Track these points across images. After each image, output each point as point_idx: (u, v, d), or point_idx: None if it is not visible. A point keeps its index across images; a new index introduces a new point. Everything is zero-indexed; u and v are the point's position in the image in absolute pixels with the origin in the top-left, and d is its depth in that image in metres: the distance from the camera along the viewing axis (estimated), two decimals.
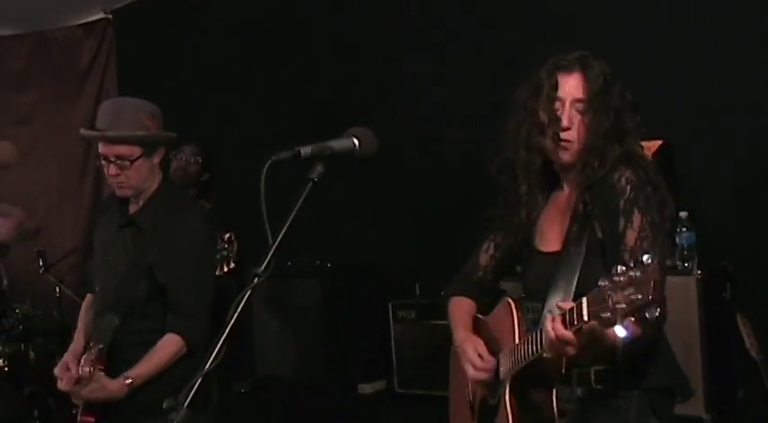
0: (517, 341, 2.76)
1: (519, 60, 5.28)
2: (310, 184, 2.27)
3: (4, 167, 3.65)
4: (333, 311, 5.62)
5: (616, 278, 2.20)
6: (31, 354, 6.47)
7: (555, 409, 2.69)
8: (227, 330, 2.09)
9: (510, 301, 2.87)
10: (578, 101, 2.72)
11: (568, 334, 2.39)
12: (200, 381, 2.05)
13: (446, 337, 5.14)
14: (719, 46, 4.76)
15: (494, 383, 2.90)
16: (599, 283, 2.25)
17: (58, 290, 6.48)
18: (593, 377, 2.68)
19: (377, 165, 2.44)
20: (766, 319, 4.15)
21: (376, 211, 5.92)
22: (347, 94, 6.27)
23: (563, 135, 2.72)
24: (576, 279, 2.64)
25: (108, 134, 3.47)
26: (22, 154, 7.59)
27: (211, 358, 2.07)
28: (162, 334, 3.49)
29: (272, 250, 2.18)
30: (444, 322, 5.16)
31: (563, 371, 2.66)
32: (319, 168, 2.27)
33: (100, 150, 3.54)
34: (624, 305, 2.17)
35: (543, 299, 2.72)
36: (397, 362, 5.42)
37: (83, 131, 3.63)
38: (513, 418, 2.75)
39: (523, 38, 5.39)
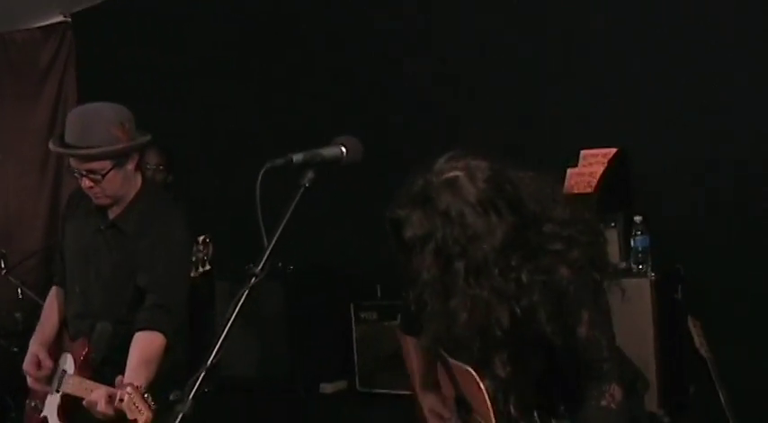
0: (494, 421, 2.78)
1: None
2: (302, 189, 2.39)
3: None
4: (295, 313, 5.74)
5: None
6: None
7: None
8: (227, 326, 2.22)
9: (473, 373, 2.78)
10: None
11: None
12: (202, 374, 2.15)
13: None
14: (672, 49, 4.88)
15: None
16: None
17: (20, 292, 6.49)
18: None
19: (339, 167, 2.49)
20: (715, 318, 4.31)
21: (338, 214, 6.02)
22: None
23: None
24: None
25: (78, 152, 3.48)
26: None
27: (213, 353, 2.19)
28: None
29: (268, 252, 2.30)
30: None
31: None
32: (310, 175, 2.40)
33: (71, 164, 3.57)
34: None
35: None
36: (359, 362, 5.55)
37: (52, 147, 3.58)
38: None
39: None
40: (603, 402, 2.56)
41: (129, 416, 3.13)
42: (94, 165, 3.50)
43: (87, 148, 3.46)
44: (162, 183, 5.53)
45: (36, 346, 3.78)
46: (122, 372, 3.42)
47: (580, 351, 2.58)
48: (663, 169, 4.89)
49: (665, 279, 4.44)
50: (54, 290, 4.00)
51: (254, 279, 2.27)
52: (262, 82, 6.77)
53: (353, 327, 5.56)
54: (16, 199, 7.88)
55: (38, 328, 3.90)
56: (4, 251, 6.56)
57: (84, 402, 3.32)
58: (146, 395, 3.14)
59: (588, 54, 5.18)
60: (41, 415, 3.71)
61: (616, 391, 2.57)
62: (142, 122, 3.70)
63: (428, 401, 3.13)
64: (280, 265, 5.79)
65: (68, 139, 3.51)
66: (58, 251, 3.95)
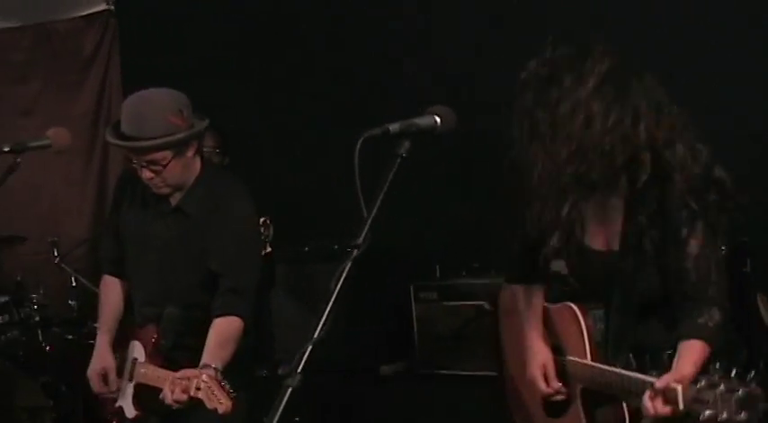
0: (589, 358, 2.82)
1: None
2: (399, 159, 2.37)
3: (60, 152, 3.60)
4: (354, 294, 5.68)
5: (715, 385, 2.23)
6: (46, 343, 6.50)
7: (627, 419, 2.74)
8: (332, 300, 2.20)
9: (576, 309, 2.89)
10: None
11: (667, 410, 2.42)
12: (309, 348, 2.15)
13: (467, 318, 5.30)
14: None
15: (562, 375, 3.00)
16: (699, 379, 2.30)
17: (73, 280, 6.49)
18: None
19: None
20: None
21: (396, 193, 5.98)
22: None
23: None
24: (634, 287, 2.73)
25: (138, 145, 3.39)
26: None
27: (319, 328, 2.17)
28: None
29: (368, 224, 2.29)
30: (465, 302, 5.35)
31: None
32: (406, 144, 2.39)
33: (130, 155, 3.51)
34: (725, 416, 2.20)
35: (601, 303, 2.83)
36: (419, 342, 5.53)
37: (110, 139, 3.50)
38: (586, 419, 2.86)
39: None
40: (701, 320, 2.58)
41: (209, 405, 3.11)
42: (155, 156, 3.41)
43: (147, 139, 3.37)
44: (218, 165, 5.49)
45: (102, 357, 3.73)
46: (194, 357, 3.42)
47: (688, 270, 2.58)
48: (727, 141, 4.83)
49: (733, 253, 4.36)
50: (106, 279, 3.93)
51: (355, 251, 2.23)
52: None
53: (413, 307, 5.53)
54: (63, 188, 7.88)
55: (100, 325, 3.86)
56: (56, 239, 6.53)
57: (160, 396, 3.30)
58: (223, 383, 3.11)
59: None
60: (117, 405, 3.68)
61: (716, 313, 2.59)
62: None
63: (542, 356, 3.05)
64: (336, 247, 5.75)
65: (126, 129, 3.42)
66: (111, 239, 3.86)
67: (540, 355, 3.05)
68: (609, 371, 2.72)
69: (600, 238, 2.83)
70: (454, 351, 5.32)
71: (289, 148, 6.62)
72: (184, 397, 3.19)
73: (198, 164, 3.63)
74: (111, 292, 3.87)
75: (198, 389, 3.13)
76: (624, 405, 2.71)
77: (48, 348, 6.51)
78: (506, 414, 4.45)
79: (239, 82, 6.94)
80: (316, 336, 2.18)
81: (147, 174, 3.46)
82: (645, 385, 2.49)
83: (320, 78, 6.49)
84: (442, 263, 5.60)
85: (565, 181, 2.61)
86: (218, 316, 3.44)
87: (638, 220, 2.70)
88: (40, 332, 6.42)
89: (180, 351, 3.55)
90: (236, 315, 3.45)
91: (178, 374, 3.24)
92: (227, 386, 3.13)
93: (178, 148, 3.45)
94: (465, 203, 5.69)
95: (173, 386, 3.22)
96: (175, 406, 3.24)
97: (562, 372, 3.00)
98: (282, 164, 6.60)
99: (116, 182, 3.97)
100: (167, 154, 3.42)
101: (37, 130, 7.72)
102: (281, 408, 2.09)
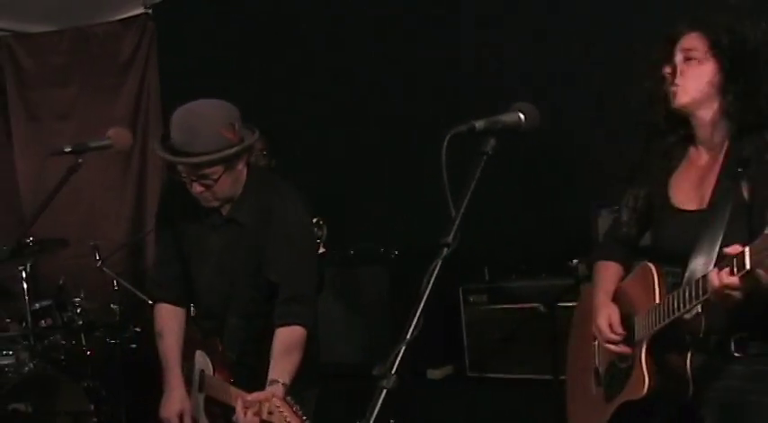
0: (657, 301, 2.80)
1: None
2: (485, 157, 2.32)
3: (121, 152, 3.56)
4: (399, 298, 5.66)
5: None
6: (88, 347, 6.48)
7: (689, 374, 2.74)
8: (423, 301, 2.15)
9: (650, 264, 2.90)
10: (687, 50, 2.86)
11: (734, 280, 2.43)
12: (403, 349, 2.10)
13: (518, 320, 5.25)
14: None
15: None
16: (765, 232, 2.33)
17: (115, 283, 6.47)
18: (732, 345, 2.73)
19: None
20: None
21: (442, 196, 5.94)
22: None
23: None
24: (719, 242, 2.68)
25: (187, 161, 3.33)
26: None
27: (411, 328, 2.12)
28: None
29: (458, 222, 2.24)
30: (515, 305, 5.30)
31: (701, 334, 2.71)
32: (492, 142, 2.35)
33: (179, 168, 3.43)
34: None
35: (681, 261, 2.78)
36: (469, 346, 5.47)
37: (160, 154, 3.42)
38: (649, 378, 2.80)
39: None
40: None
41: None
42: (206, 171, 3.36)
43: (198, 155, 3.30)
44: (265, 168, 5.46)
45: (179, 399, 3.60)
46: (260, 366, 3.38)
47: None
48: None
49: None
50: (161, 309, 3.80)
51: (446, 250, 2.19)
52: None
53: (462, 310, 5.48)
54: (101, 192, 7.87)
55: (167, 360, 3.69)
56: (97, 243, 6.51)
57: (233, 417, 3.24)
58: (295, 407, 3.05)
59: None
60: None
61: None
62: None
63: (608, 309, 3.06)
64: (382, 250, 5.71)
65: (176, 143, 3.35)
66: (165, 256, 3.79)
67: (605, 308, 3.06)
68: (671, 296, 2.71)
69: (691, 198, 2.88)
70: (504, 354, 5.27)
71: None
72: (256, 420, 3.12)
73: (245, 173, 3.55)
74: (171, 320, 3.76)
75: (270, 413, 3.06)
76: (688, 356, 2.72)
77: (89, 352, 6.50)
78: (558, 417, 4.44)
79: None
80: (408, 336, 2.10)
81: (197, 188, 3.41)
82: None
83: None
84: (490, 266, 5.53)
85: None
86: (280, 325, 3.39)
87: (730, 174, 2.74)
88: (83, 336, 6.40)
89: (246, 363, 3.52)
90: (299, 324, 3.39)
91: (250, 397, 3.17)
92: (300, 411, 3.05)
93: (229, 162, 3.39)
94: (513, 206, 5.64)
95: (245, 409, 3.15)
96: None
97: (629, 330, 2.98)
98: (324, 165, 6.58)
99: (161, 196, 3.90)
100: (218, 169, 3.36)
101: (74, 135, 7.81)
102: (377, 410, 2.02)
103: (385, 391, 2.06)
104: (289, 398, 3.09)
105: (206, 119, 3.33)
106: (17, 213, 8.14)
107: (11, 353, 6.26)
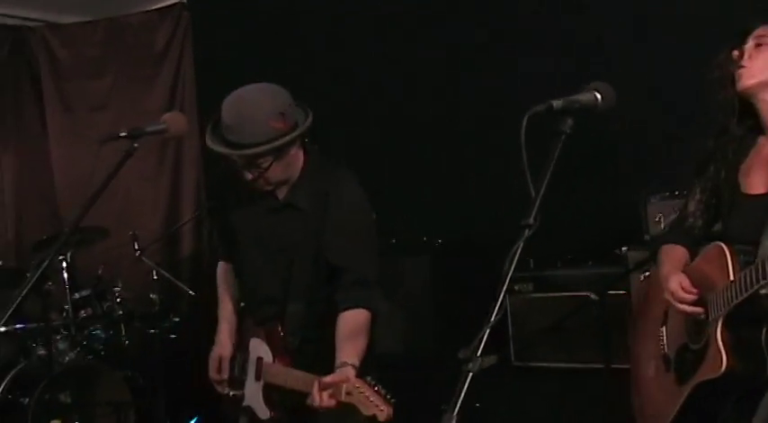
0: (732, 278, 2.76)
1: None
2: (563, 136, 2.28)
3: (175, 138, 3.52)
4: (442, 287, 5.62)
5: None
6: (127, 337, 6.48)
7: (766, 352, 2.71)
8: (506, 283, 2.11)
9: (720, 243, 2.87)
10: (760, 36, 2.89)
11: None
12: (487, 332, 2.06)
13: (564, 309, 5.19)
14: None
15: (697, 327, 2.93)
16: None
17: (155, 273, 6.45)
18: None
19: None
20: None
21: (488, 185, 5.91)
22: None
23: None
24: None
25: (236, 153, 3.34)
26: (99, 141, 7.57)
27: (495, 311, 2.09)
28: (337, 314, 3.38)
29: (538, 203, 2.20)
30: (561, 294, 5.24)
31: None
32: (569, 122, 2.31)
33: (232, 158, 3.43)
34: None
35: (752, 245, 2.76)
36: (514, 335, 5.42)
37: (211, 146, 3.42)
38: (726, 356, 2.76)
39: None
40: None
41: (365, 411, 2.98)
42: (258, 160, 3.37)
43: (248, 146, 3.31)
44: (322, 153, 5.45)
45: (222, 345, 3.73)
46: (320, 352, 3.37)
47: None
48: None
49: None
50: (223, 266, 3.91)
51: (527, 231, 2.15)
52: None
53: (507, 299, 5.42)
54: (136, 183, 7.84)
55: (222, 312, 3.84)
56: (136, 232, 6.50)
57: (307, 400, 3.19)
58: (377, 387, 3.00)
59: None
60: (244, 404, 3.60)
61: None
62: None
63: (678, 276, 3.03)
64: (425, 239, 5.67)
65: (226, 134, 3.35)
66: (220, 237, 3.84)
67: (675, 275, 3.03)
68: (745, 272, 2.68)
69: (760, 183, 2.89)
70: (551, 343, 5.21)
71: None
72: (332, 403, 3.09)
73: (301, 156, 3.54)
74: (229, 277, 3.86)
75: (348, 393, 3.02)
76: (764, 334, 2.69)
77: (128, 343, 6.50)
78: (610, 406, 4.40)
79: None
80: (492, 319, 2.06)
81: (249, 175, 3.42)
82: None
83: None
84: (535, 254, 5.48)
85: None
86: (345, 309, 3.35)
87: None
88: (122, 326, 6.39)
89: (307, 346, 3.48)
90: (364, 307, 3.36)
91: (327, 379, 3.13)
92: (383, 390, 3.00)
93: (279, 152, 3.38)
94: (558, 193, 5.56)
95: (321, 391, 3.11)
96: (321, 410, 3.14)
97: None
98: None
99: (215, 179, 3.90)
100: (268, 158, 3.36)
101: (109, 125, 7.80)
102: (462, 394, 1.98)
103: (470, 375, 2.00)
104: (369, 378, 3.04)
105: (255, 108, 3.32)
106: (51, 204, 8.16)
107: (51, 343, 6.28)
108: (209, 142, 3.43)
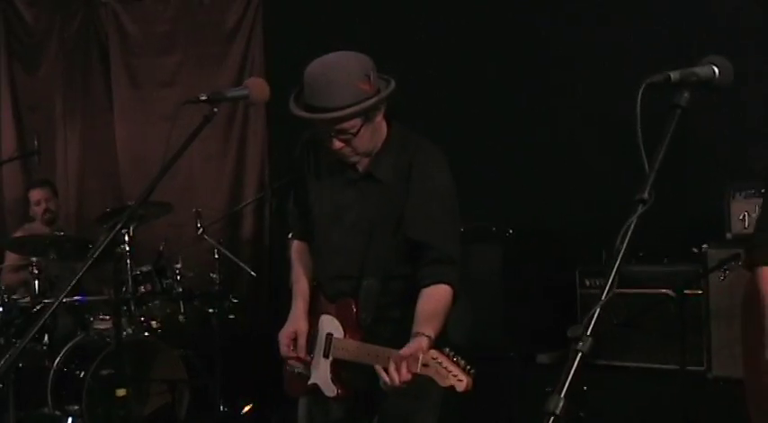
0: None
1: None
2: (679, 110, 2.14)
3: (256, 104, 3.39)
4: (512, 279, 5.48)
5: None
6: (186, 316, 6.43)
7: None
8: (617, 261, 1.99)
9: None
10: None
11: None
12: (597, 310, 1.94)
13: (638, 306, 5.03)
14: None
15: None
16: None
17: (216, 252, 6.38)
18: None
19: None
20: None
21: (561, 175, 5.77)
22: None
23: None
24: None
25: (325, 117, 3.18)
26: (166, 117, 7.55)
27: (606, 289, 1.97)
28: (414, 290, 3.24)
29: (652, 178, 2.07)
30: (636, 290, 5.07)
31: None
32: (686, 95, 2.17)
33: (317, 126, 3.30)
34: None
35: None
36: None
37: (295, 111, 3.26)
38: None
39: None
40: None
41: (442, 382, 2.85)
42: (345, 125, 3.21)
43: (335, 109, 3.15)
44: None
45: (296, 321, 3.52)
46: (396, 330, 3.22)
47: None
48: None
49: None
50: (297, 246, 3.73)
51: (641, 207, 2.01)
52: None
53: (578, 294, 5.27)
54: (200, 162, 7.81)
55: (296, 290, 3.64)
56: (200, 210, 6.43)
57: (381, 384, 3.06)
58: (455, 358, 2.87)
59: None
60: (310, 382, 3.49)
61: None
62: None
63: None
64: (494, 229, 5.53)
65: (311, 100, 3.20)
66: (298, 212, 3.68)
67: None
68: None
69: None
70: (622, 341, 5.05)
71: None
72: (409, 376, 2.95)
73: (385, 127, 3.40)
74: (306, 256, 3.67)
75: (425, 365, 2.89)
76: None
77: (186, 321, 6.44)
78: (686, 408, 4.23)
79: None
80: (603, 298, 1.94)
81: (336, 144, 3.26)
82: None
83: None
84: (608, 248, 5.31)
85: None
86: (426, 286, 3.22)
87: None
88: (181, 304, 6.33)
89: (381, 325, 3.33)
90: (446, 283, 3.24)
91: (403, 351, 2.99)
92: (462, 361, 2.87)
93: (368, 114, 3.24)
94: (629, 183, 5.41)
95: (397, 364, 2.97)
96: (398, 384, 3.00)
97: None
98: None
99: (297, 152, 3.73)
100: (357, 122, 3.21)
101: (175, 103, 7.76)
102: (571, 375, 1.86)
103: (580, 354, 1.87)
104: (447, 349, 2.91)
105: (341, 71, 3.19)
106: (113, 180, 8.17)
107: (107, 318, 6.25)
108: (294, 110, 3.28)
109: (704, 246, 4.78)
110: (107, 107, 8.17)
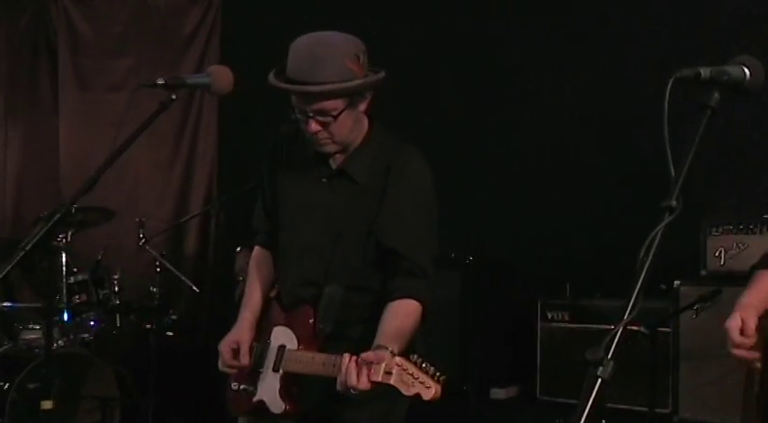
0: None
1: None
2: (709, 112, 1.93)
3: (217, 94, 3.10)
4: (469, 308, 5.26)
5: None
6: (121, 330, 6.09)
7: None
8: (641, 277, 1.77)
9: None
10: None
11: None
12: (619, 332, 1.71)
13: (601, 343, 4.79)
14: None
15: None
16: None
17: (158, 265, 6.05)
18: None
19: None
20: None
21: (521, 202, 5.59)
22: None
23: None
24: None
25: (309, 89, 2.92)
26: (113, 122, 7.25)
27: (628, 310, 1.88)
28: (381, 306, 2.99)
29: (680, 183, 1.84)
30: (599, 326, 4.86)
31: None
32: (716, 96, 1.99)
33: (295, 104, 3.00)
34: None
35: None
36: (542, 366, 5.04)
37: (274, 83, 3.00)
38: None
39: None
40: None
41: (406, 391, 2.62)
42: (326, 104, 2.95)
43: (320, 83, 2.91)
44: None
45: (240, 331, 3.26)
46: (355, 348, 2.90)
47: None
48: None
49: None
50: (258, 253, 3.46)
51: (669, 214, 1.78)
52: None
53: (539, 327, 5.05)
54: (147, 171, 7.53)
55: (246, 300, 3.38)
56: (144, 220, 6.11)
57: (338, 383, 2.80)
58: (423, 364, 2.62)
59: None
60: (255, 399, 3.19)
61: None
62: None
63: (747, 314, 2.59)
64: (453, 255, 5.29)
65: (294, 74, 2.94)
66: (264, 210, 3.42)
67: (747, 310, 2.59)
68: None
69: None
70: (582, 378, 4.80)
71: None
72: (368, 385, 2.69)
73: (366, 123, 3.17)
74: (265, 265, 3.40)
75: (387, 373, 2.64)
76: None
77: (121, 335, 6.11)
78: None
79: None
80: (626, 317, 1.71)
81: (313, 126, 3.00)
82: None
83: None
84: (572, 282, 5.12)
85: None
86: (394, 299, 2.97)
87: None
88: (118, 317, 5.99)
89: (339, 341, 3.05)
90: (416, 298, 2.97)
91: (367, 355, 2.73)
92: (432, 368, 2.63)
93: (352, 97, 3.00)
94: (603, 216, 5.24)
95: (356, 371, 2.71)
96: (353, 393, 2.75)
97: None
98: None
99: (268, 148, 3.44)
100: (339, 103, 2.97)
101: (124, 108, 7.45)
102: (591, 401, 1.61)
103: (600, 381, 1.63)
104: (415, 355, 2.67)
105: (330, 47, 2.96)
106: (54, 183, 7.84)
107: (37, 327, 5.89)
108: (273, 82, 3.01)
109: (676, 282, 4.58)
110: (52, 108, 7.84)
